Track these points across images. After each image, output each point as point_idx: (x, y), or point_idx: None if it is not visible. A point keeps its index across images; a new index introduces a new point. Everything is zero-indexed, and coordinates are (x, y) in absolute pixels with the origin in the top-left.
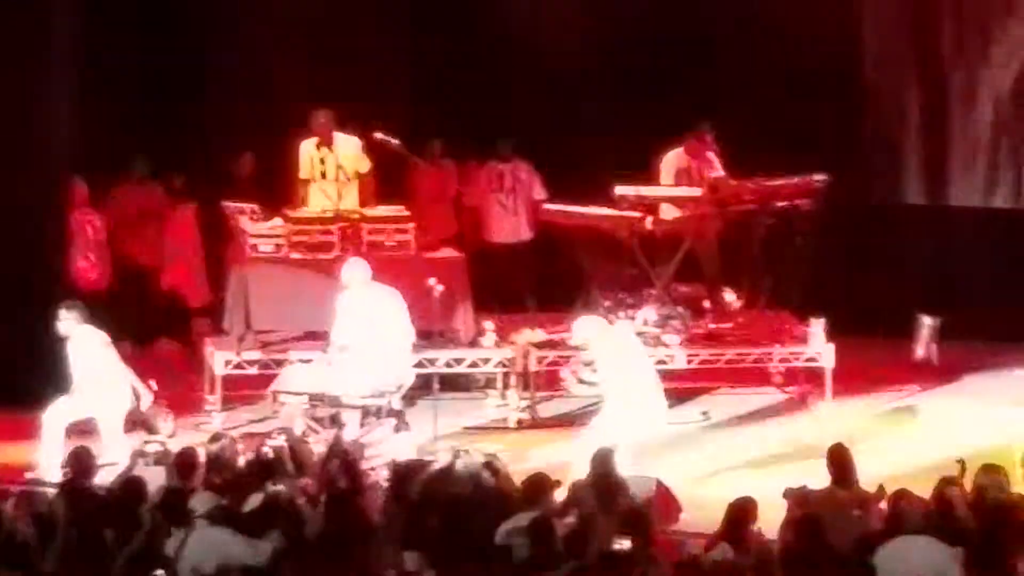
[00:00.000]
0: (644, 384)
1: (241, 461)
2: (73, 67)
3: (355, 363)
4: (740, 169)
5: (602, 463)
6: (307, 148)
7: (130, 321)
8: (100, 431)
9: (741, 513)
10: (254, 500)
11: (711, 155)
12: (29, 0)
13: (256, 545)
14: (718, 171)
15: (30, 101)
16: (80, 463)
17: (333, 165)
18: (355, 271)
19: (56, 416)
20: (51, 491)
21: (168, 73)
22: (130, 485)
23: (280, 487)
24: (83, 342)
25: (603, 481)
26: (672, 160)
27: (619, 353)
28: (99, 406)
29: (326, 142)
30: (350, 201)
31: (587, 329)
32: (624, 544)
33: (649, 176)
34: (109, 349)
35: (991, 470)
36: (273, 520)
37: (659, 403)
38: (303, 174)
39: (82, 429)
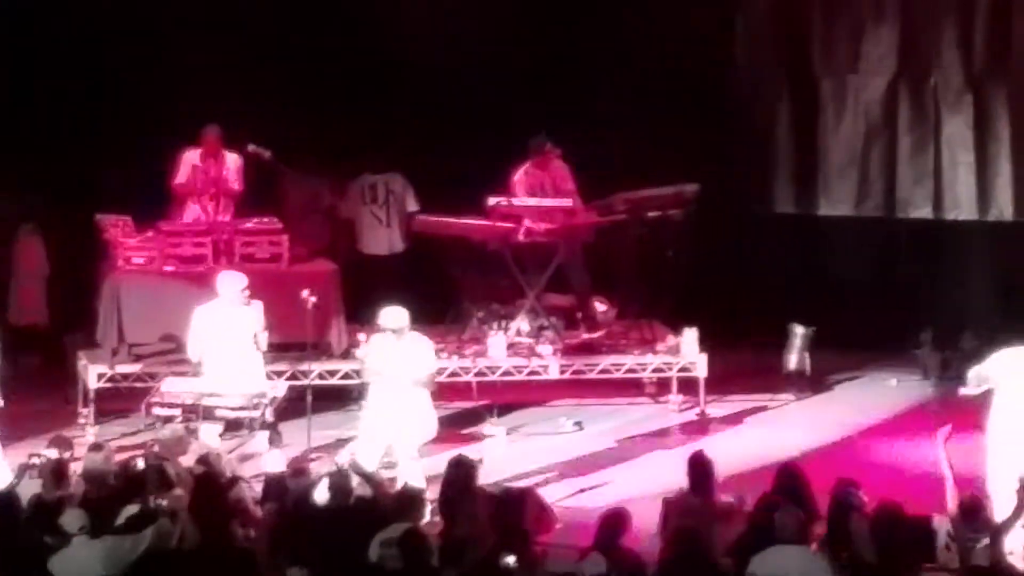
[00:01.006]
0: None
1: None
2: None
3: (223, 375)
4: (611, 179)
5: (457, 473)
6: (191, 158)
7: None
8: None
9: (613, 524)
10: (126, 513)
11: (561, 165)
12: None
13: (134, 538)
14: (570, 183)
15: None
16: None
17: (215, 180)
18: (229, 283)
19: None
20: None
21: (40, 87)
22: (2, 500)
23: (161, 501)
24: None
25: (461, 491)
26: (523, 177)
27: (385, 357)
28: None
29: (212, 155)
30: (225, 216)
31: (395, 319)
32: (509, 559)
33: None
34: None
35: (846, 483)
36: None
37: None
38: (180, 179)
39: None
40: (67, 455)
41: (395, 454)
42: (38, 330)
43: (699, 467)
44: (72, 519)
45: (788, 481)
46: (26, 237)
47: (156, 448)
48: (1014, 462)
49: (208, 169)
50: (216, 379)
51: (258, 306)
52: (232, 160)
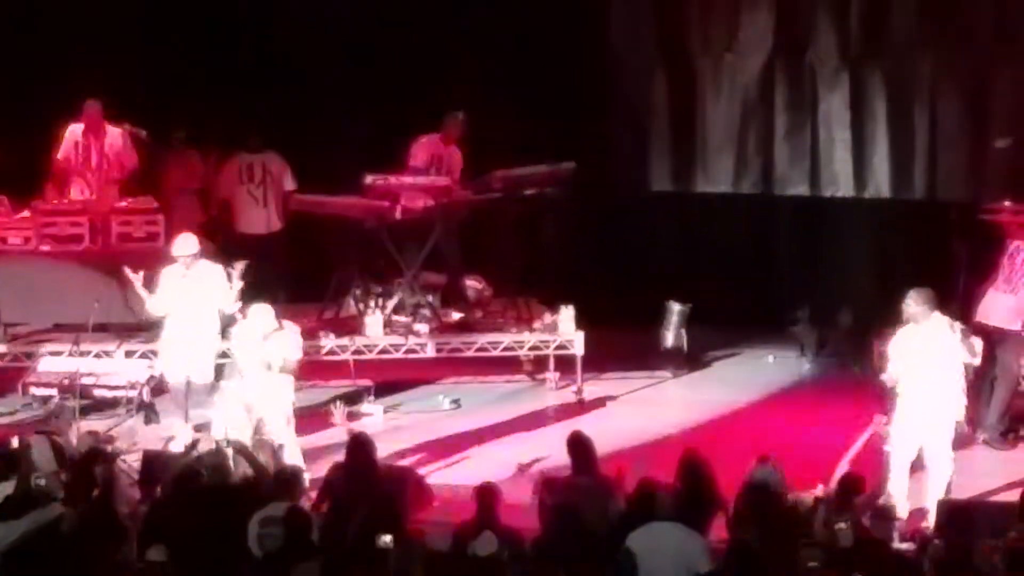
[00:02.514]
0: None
1: None
2: None
3: (181, 336)
4: (487, 157)
5: (356, 453)
6: (74, 133)
7: None
8: None
9: (488, 499)
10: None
11: (457, 152)
12: None
13: (7, 527)
14: (458, 171)
15: None
16: None
17: (97, 155)
18: (182, 246)
19: None
20: None
21: None
22: None
23: (41, 480)
24: None
25: (357, 471)
26: (426, 145)
27: (251, 352)
28: None
29: (95, 131)
30: (111, 194)
31: (265, 320)
32: (386, 540)
33: (398, 162)
34: None
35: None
36: (27, 510)
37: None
38: (61, 155)
39: None
40: None
41: (266, 432)
42: None
43: (578, 446)
44: None
45: (691, 469)
46: None
47: (50, 424)
48: (904, 439)
49: (90, 145)
50: (174, 340)
51: (219, 269)
52: (116, 135)
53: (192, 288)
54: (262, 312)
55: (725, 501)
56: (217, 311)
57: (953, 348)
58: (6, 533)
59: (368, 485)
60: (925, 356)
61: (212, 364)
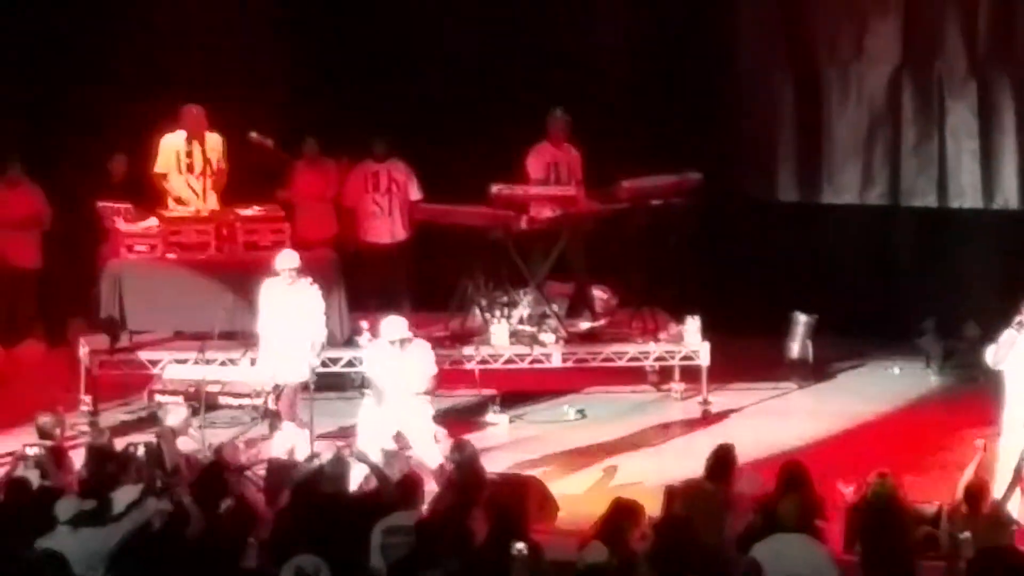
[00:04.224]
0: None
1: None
2: None
3: (271, 353)
4: (614, 167)
5: (466, 460)
6: (173, 141)
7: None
8: None
9: (620, 515)
10: (121, 495)
11: (575, 153)
12: None
13: (107, 530)
14: (580, 172)
15: None
16: None
17: (201, 159)
18: (281, 261)
19: None
20: None
21: (46, 69)
22: (12, 487)
23: (170, 482)
24: None
25: (467, 479)
26: (539, 153)
27: (387, 368)
28: None
29: (197, 136)
30: (212, 197)
31: (396, 330)
32: (519, 547)
33: (519, 174)
34: None
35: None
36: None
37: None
38: (160, 168)
39: None
40: (58, 431)
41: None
42: None
43: (723, 457)
44: (66, 507)
45: (791, 477)
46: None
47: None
48: (1016, 441)
49: (192, 151)
50: (267, 353)
51: (317, 291)
52: (216, 141)
53: (290, 303)
54: (396, 324)
55: (825, 511)
56: (309, 331)
57: None
58: (106, 538)
59: (476, 490)
60: None
61: (306, 365)
